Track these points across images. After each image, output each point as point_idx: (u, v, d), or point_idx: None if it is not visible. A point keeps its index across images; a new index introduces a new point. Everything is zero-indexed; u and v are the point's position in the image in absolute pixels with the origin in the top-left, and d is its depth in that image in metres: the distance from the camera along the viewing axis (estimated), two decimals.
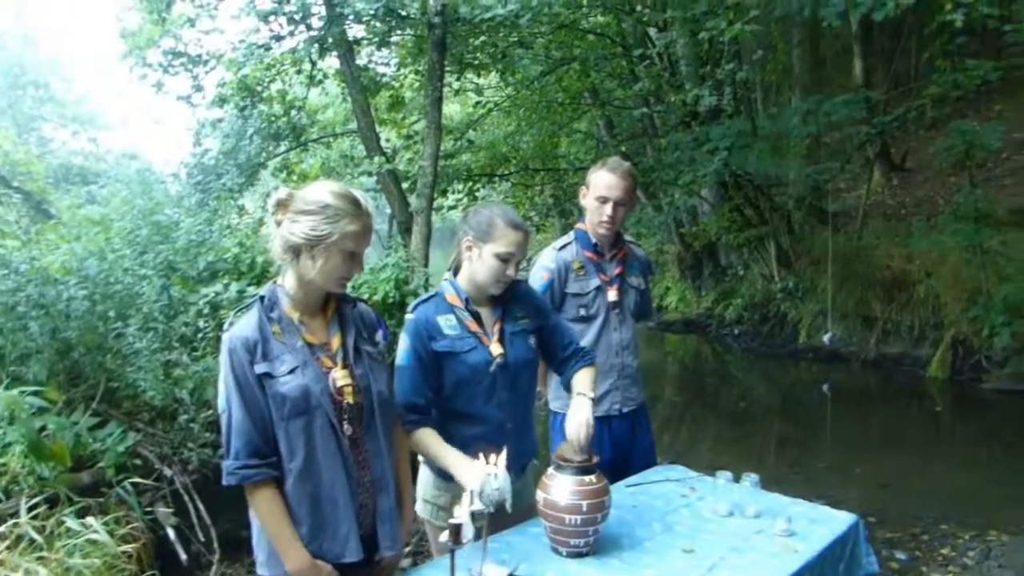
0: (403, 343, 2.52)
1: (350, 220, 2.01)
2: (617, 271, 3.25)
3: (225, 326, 2.08)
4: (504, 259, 2.50)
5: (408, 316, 2.57)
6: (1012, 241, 9.05)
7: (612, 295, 3.21)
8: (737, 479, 2.76)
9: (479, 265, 2.53)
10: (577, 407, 2.48)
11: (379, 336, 2.27)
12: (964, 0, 6.70)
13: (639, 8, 10.62)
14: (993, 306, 8.21)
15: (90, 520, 3.45)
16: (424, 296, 2.67)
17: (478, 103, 12.43)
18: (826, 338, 9.93)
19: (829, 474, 6.24)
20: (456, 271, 2.65)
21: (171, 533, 3.97)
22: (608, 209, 3.11)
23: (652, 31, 11.18)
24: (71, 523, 3.40)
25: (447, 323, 2.55)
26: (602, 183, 3.12)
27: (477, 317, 2.59)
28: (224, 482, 2.02)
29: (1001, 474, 6.23)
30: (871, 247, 10.73)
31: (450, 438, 2.47)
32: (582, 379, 2.66)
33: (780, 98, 14.54)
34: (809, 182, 11.01)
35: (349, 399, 2.07)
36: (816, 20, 7.83)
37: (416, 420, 2.46)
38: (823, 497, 5.10)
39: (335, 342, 2.12)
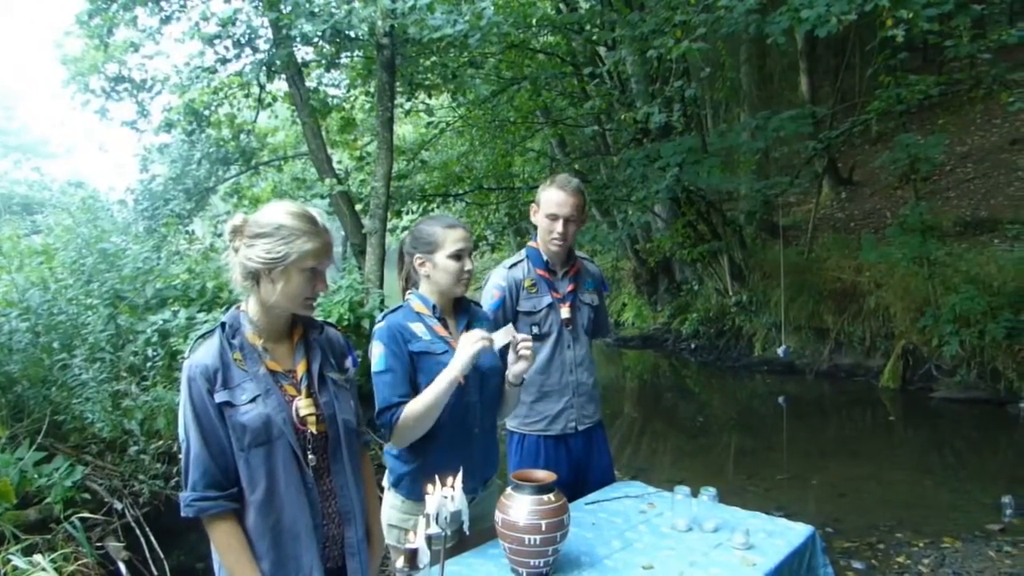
0: (377, 349, 2.56)
1: (307, 238, 1.97)
2: (570, 288, 3.24)
3: (186, 353, 2.02)
4: (458, 256, 2.60)
5: (379, 325, 2.62)
6: (958, 252, 9.31)
7: (565, 312, 3.20)
8: (695, 493, 2.76)
9: (438, 274, 2.62)
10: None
11: (348, 362, 2.22)
12: (905, 16, 6.89)
13: (588, 27, 10.72)
14: (941, 316, 8.40)
15: (37, 558, 3.34)
16: (391, 308, 2.71)
17: (430, 123, 12.44)
18: (780, 351, 10.05)
19: (787, 485, 6.30)
20: (415, 287, 2.72)
21: (122, 568, 3.86)
22: (559, 226, 3.12)
23: (601, 50, 11.32)
24: (17, 561, 3.29)
25: (418, 329, 2.61)
26: (552, 200, 3.12)
27: (444, 323, 2.66)
28: (182, 514, 1.96)
29: (953, 481, 6.35)
30: (822, 260, 10.93)
31: (422, 441, 2.53)
32: None
33: (729, 114, 14.83)
34: (760, 197, 11.19)
35: (313, 429, 2.02)
36: (762, 37, 7.97)
37: (396, 410, 2.48)
38: (781, 508, 5.16)
39: (300, 369, 2.07)
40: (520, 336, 2.55)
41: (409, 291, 2.74)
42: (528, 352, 2.56)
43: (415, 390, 2.54)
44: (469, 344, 2.44)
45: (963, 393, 8.28)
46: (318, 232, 2.00)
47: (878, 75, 9.72)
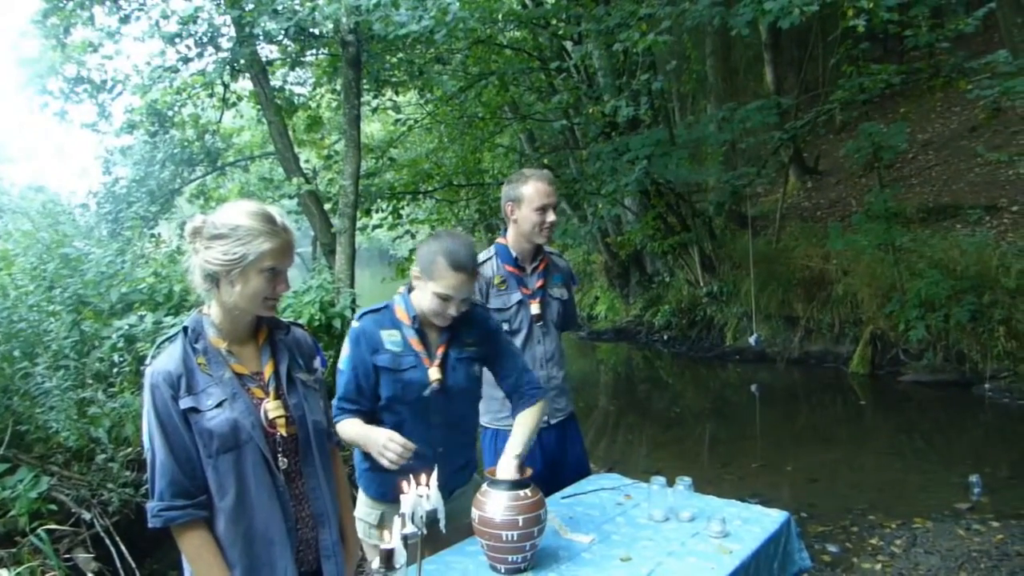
0: (345, 349, 2.56)
1: (264, 238, 1.92)
2: (539, 284, 3.24)
3: (148, 359, 1.98)
4: (444, 299, 2.49)
5: (354, 324, 2.59)
6: (922, 238, 9.44)
7: (534, 308, 3.20)
8: (671, 484, 2.77)
9: (424, 299, 2.55)
10: (502, 469, 2.45)
11: (317, 363, 2.18)
12: (865, 6, 6.97)
13: (554, 22, 10.72)
14: (907, 301, 8.51)
15: (3, 572, 3.27)
16: (374, 306, 2.66)
17: (398, 121, 12.37)
18: (752, 339, 10.14)
19: (761, 472, 6.35)
20: (411, 289, 2.66)
21: None
22: (551, 216, 3.15)
23: (568, 44, 11.32)
24: None
25: (390, 338, 2.56)
26: (539, 193, 3.13)
27: (423, 336, 2.59)
28: (149, 524, 1.91)
29: (923, 463, 6.45)
30: (790, 249, 11.03)
31: None
32: (515, 433, 2.63)
33: (696, 107, 14.91)
34: (728, 188, 11.27)
35: (282, 431, 1.98)
36: (727, 29, 8.03)
37: (338, 416, 2.51)
38: (756, 496, 5.20)
39: (267, 371, 2.03)
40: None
41: (400, 291, 2.69)
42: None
43: (373, 398, 2.55)
44: (376, 447, 2.39)
45: (930, 376, 8.40)
46: (276, 231, 1.94)
47: (841, 65, 9.83)
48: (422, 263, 2.53)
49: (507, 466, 2.44)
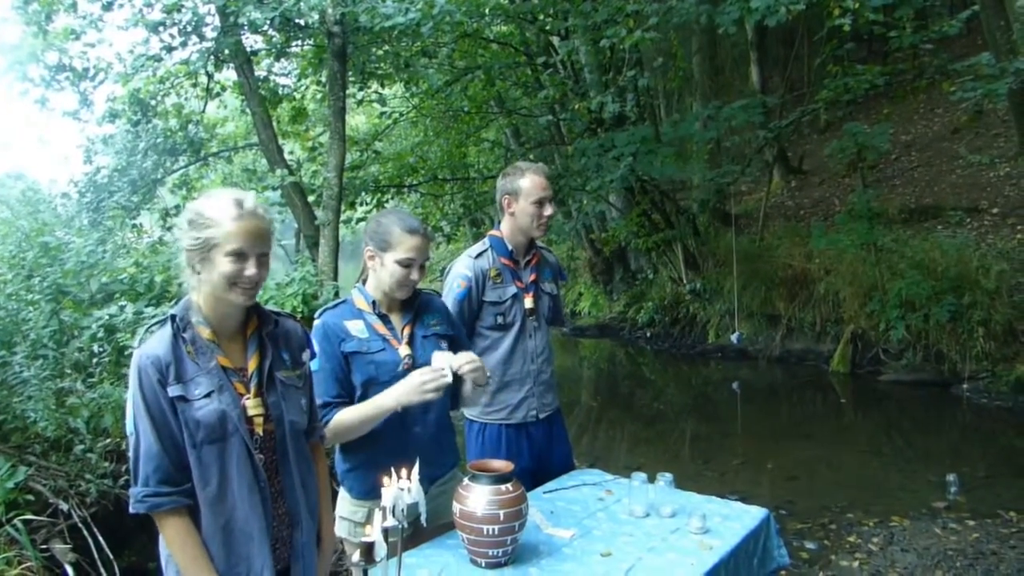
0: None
1: (231, 220, 1.89)
2: (532, 278, 3.24)
3: (135, 343, 1.95)
4: (406, 265, 2.52)
5: (316, 322, 2.58)
6: (903, 238, 9.52)
7: (528, 302, 3.19)
8: (652, 480, 2.78)
9: (383, 273, 2.56)
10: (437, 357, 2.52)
11: (306, 355, 2.17)
12: (851, 6, 7.01)
13: (541, 17, 10.71)
14: (888, 301, 8.58)
15: None
16: (331, 304, 2.67)
17: (383, 113, 12.31)
18: (734, 337, 10.18)
19: (741, 469, 6.39)
20: (365, 281, 2.67)
21: (69, 570, 3.74)
22: (548, 209, 3.14)
23: (555, 39, 11.32)
24: None
25: (355, 327, 2.56)
26: (537, 186, 3.12)
27: (386, 320, 2.60)
28: (131, 510, 1.89)
29: (900, 462, 6.50)
30: (773, 247, 11.09)
31: (359, 441, 2.50)
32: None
33: (681, 104, 14.95)
34: (712, 186, 11.31)
35: (259, 429, 1.98)
36: (713, 27, 8.06)
37: (327, 411, 2.47)
38: (736, 492, 5.22)
39: (251, 366, 2.01)
40: (461, 360, 2.48)
41: (356, 285, 2.70)
42: (475, 374, 2.51)
43: (351, 389, 2.53)
44: (417, 389, 2.40)
45: (910, 376, 8.48)
46: (243, 214, 1.91)
47: (826, 65, 9.89)
48: (375, 239, 2.56)
49: (441, 356, 2.50)
